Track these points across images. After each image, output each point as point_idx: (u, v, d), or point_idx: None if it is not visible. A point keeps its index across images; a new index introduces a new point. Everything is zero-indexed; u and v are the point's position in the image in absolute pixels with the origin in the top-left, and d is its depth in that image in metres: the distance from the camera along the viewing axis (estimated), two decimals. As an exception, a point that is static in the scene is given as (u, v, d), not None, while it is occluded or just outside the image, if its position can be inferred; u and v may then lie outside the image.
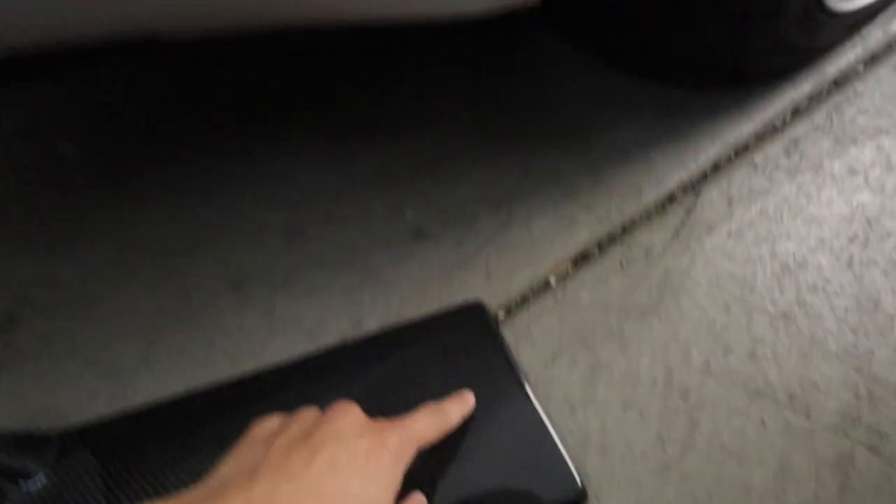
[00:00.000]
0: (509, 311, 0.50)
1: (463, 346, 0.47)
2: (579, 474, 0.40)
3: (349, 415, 0.33)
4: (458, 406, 0.40)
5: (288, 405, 0.43)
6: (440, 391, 0.43)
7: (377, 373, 0.46)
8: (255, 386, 0.49)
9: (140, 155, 0.73)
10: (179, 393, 0.49)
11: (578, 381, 0.46)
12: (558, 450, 0.41)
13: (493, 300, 0.51)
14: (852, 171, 0.54)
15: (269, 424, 0.34)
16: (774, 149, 0.57)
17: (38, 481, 0.45)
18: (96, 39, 0.33)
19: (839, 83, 0.61)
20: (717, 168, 0.56)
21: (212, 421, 0.46)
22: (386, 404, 0.43)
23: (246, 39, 0.41)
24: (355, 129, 0.69)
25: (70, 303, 0.59)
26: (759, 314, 0.47)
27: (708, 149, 0.57)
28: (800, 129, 0.58)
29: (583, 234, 0.53)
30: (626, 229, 0.53)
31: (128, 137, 0.75)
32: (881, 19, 0.64)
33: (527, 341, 0.48)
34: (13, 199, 0.69)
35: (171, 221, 0.64)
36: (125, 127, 0.76)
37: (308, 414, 0.34)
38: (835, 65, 0.62)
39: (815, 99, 0.60)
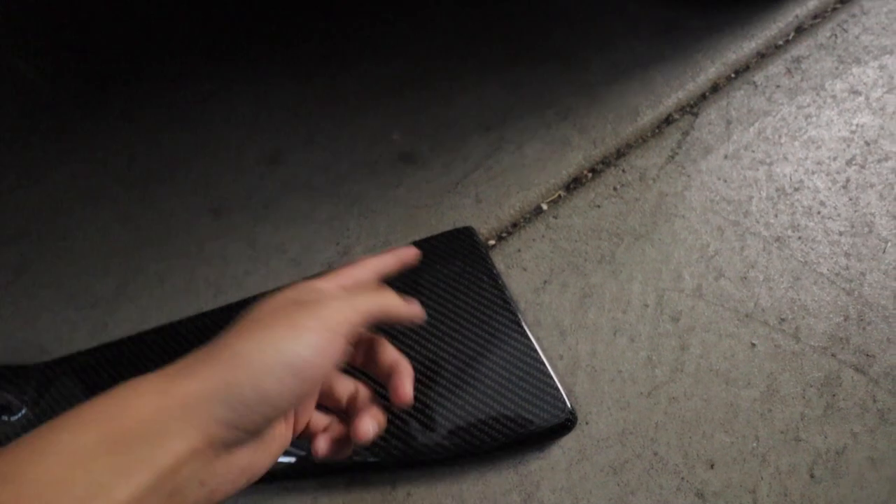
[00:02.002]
0: (500, 237, 0.49)
1: (453, 272, 0.46)
2: (569, 398, 0.40)
3: None
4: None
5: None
6: (431, 317, 0.43)
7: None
8: (240, 312, 0.47)
9: (106, 76, 0.68)
10: (163, 323, 0.48)
11: (569, 306, 0.45)
12: (548, 374, 0.41)
13: (484, 226, 0.49)
14: (854, 92, 0.52)
15: None
16: (776, 68, 0.54)
17: (21, 413, 0.44)
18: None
19: (845, 0, 0.58)
20: (716, 88, 0.54)
21: (198, 346, 0.45)
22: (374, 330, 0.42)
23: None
24: (335, 51, 0.64)
25: (41, 232, 0.57)
26: (753, 238, 0.46)
27: (708, 68, 0.55)
28: (802, 47, 0.55)
29: (576, 158, 0.52)
30: (621, 152, 0.51)
31: (93, 58, 0.70)
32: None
33: (518, 267, 0.47)
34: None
35: (143, 146, 0.61)
36: (89, 47, 0.71)
37: None
38: (843, -21, 0.59)
39: (819, 16, 0.57)
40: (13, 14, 0.75)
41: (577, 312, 0.45)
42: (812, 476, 0.38)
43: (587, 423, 0.41)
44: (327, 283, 0.31)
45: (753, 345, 0.42)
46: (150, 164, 0.59)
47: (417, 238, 0.48)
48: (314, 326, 0.27)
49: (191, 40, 0.69)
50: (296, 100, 0.61)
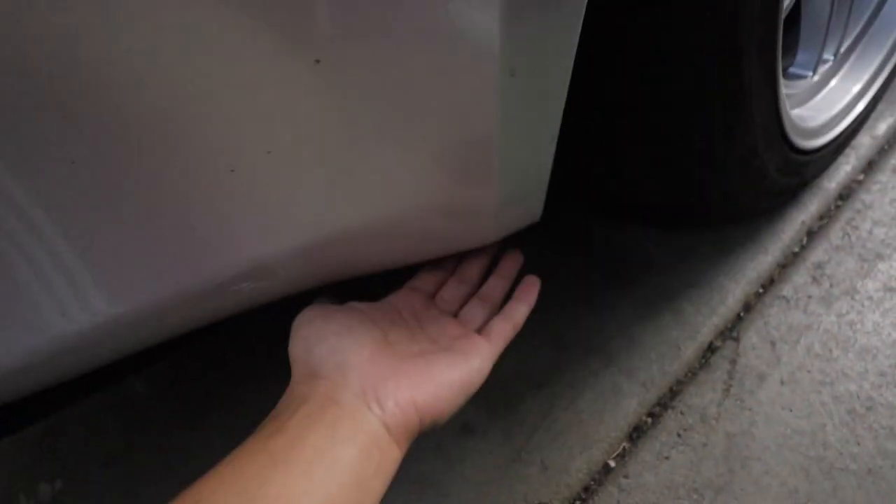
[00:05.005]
0: (574, 508, 0.48)
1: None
2: None
3: None
4: None
5: None
6: None
7: None
8: None
9: (207, 391, 0.72)
10: None
11: (667, 585, 0.42)
12: None
13: (556, 497, 0.48)
14: (889, 290, 0.53)
15: None
16: (801, 278, 0.56)
17: None
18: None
19: (844, 196, 0.62)
20: (748, 308, 0.55)
21: None
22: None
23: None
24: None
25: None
26: (842, 474, 0.44)
27: (734, 289, 0.57)
28: (819, 251, 0.58)
29: (631, 404, 0.52)
30: (674, 391, 0.52)
31: (199, 377, 0.76)
32: (867, 125, 0.66)
33: (601, 543, 0.45)
34: (90, 438, 0.69)
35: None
36: (198, 367, 0.78)
37: None
38: (833, 179, 0.63)
39: (825, 217, 0.61)
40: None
41: (677, 592, 0.41)
42: None
43: None
44: None
45: None
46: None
47: (491, 523, 0.47)
48: None
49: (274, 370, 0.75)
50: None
